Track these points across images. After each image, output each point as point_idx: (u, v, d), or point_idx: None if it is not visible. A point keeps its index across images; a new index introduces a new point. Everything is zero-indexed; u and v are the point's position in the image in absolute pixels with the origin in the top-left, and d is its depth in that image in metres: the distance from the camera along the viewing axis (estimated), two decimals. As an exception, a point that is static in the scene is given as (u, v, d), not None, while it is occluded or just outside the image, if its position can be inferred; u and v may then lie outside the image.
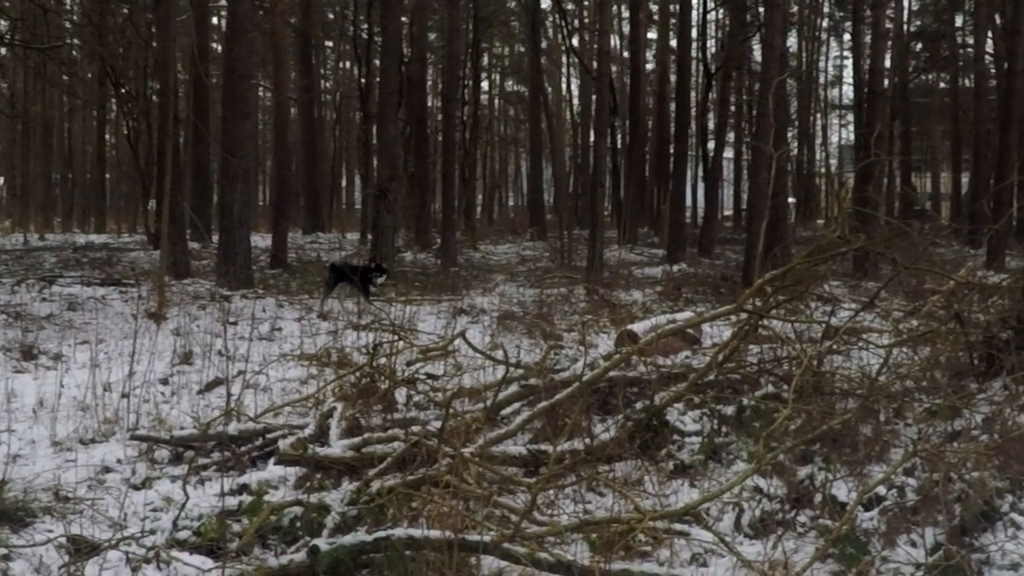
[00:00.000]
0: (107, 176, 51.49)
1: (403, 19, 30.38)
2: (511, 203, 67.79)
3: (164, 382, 10.31)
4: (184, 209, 20.36)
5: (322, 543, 4.66)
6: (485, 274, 24.25)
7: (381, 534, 4.70)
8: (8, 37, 27.66)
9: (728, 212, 52.50)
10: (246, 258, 18.86)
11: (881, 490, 6.09)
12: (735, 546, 5.11)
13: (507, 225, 50.48)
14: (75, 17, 33.15)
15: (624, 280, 21.82)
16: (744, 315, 7.69)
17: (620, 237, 36.74)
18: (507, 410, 7.75)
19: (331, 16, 45.65)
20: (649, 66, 47.69)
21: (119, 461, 7.28)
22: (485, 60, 50.90)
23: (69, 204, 48.98)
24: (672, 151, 32.68)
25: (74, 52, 33.79)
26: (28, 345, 11.88)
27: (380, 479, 5.62)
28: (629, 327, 11.20)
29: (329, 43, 49.78)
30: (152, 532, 5.48)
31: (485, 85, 58.15)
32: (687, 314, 12.31)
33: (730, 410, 7.93)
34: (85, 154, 51.63)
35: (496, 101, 63.25)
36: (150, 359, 10.45)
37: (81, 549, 5.04)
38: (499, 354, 9.11)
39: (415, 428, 6.62)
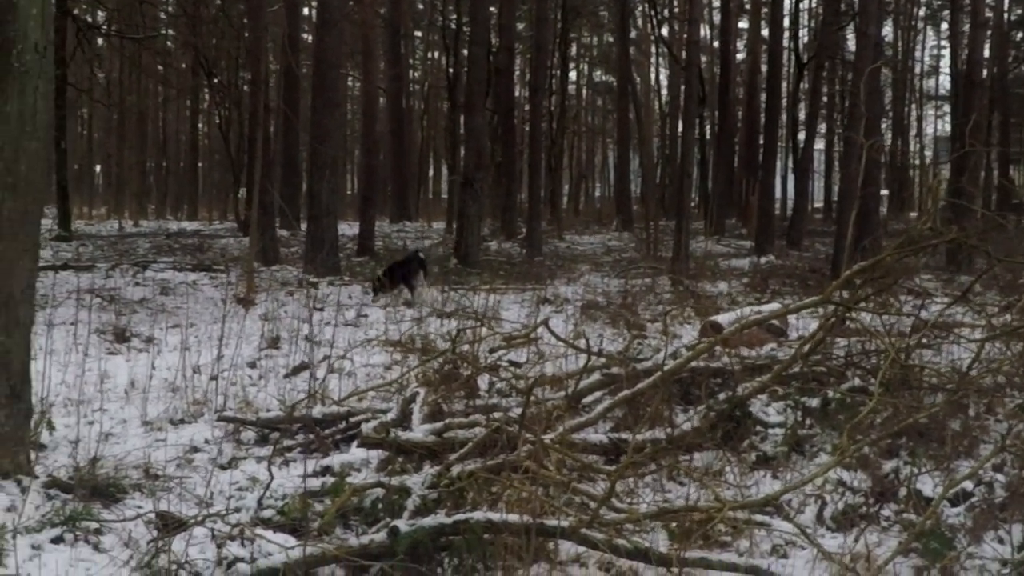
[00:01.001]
0: (199, 164, 52.43)
1: (491, 8, 30.42)
2: (598, 194, 67.53)
3: (252, 366, 10.48)
4: (273, 197, 20.63)
5: (402, 524, 4.71)
6: (570, 264, 24.21)
7: (460, 517, 4.73)
8: (105, 28, 28.36)
9: (819, 204, 51.74)
10: (333, 246, 19.08)
11: (968, 485, 5.98)
12: (816, 538, 5.03)
13: (593, 216, 50.31)
14: (170, 8, 33.82)
15: (710, 271, 21.62)
16: (831, 307, 7.57)
17: (707, 228, 36.44)
18: (589, 399, 7.73)
19: (420, 6, 45.83)
20: (740, 56, 47.14)
21: (207, 441, 7.42)
22: (574, 50, 50.74)
23: (163, 192, 50.02)
24: (762, 142, 32.26)
25: (168, 42, 34.46)
26: (121, 328, 12.15)
27: (461, 464, 5.65)
28: (713, 318, 11.10)
29: (418, 33, 50.04)
30: (237, 510, 5.58)
31: (573, 75, 58.07)
32: (773, 306, 12.15)
33: (815, 403, 7.83)
34: (179, 143, 52.65)
35: (584, 91, 63.06)
36: (238, 343, 10.61)
37: (169, 525, 5.14)
38: (581, 343, 9.09)
39: (496, 414, 6.64)
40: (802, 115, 38.47)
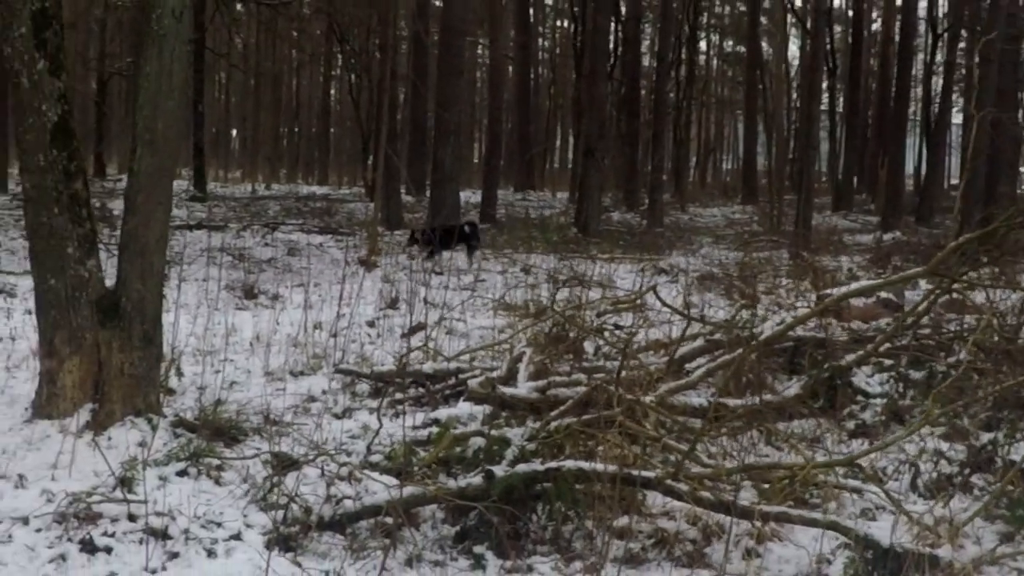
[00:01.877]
0: (331, 130, 53.47)
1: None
2: (727, 167, 66.85)
3: (371, 324, 10.87)
4: (397, 163, 21.08)
5: (498, 470, 4.98)
6: (690, 235, 24.23)
7: (552, 465, 4.98)
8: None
9: (955, 180, 50.41)
10: (455, 211, 19.46)
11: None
12: (905, 503, 5.13)
13: (719, 188, 49.93)
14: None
15: (832, 246, 21.40)
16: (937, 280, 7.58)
17: (834, 202, 35.91)
18: (692, 365, 7.88)
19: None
20: (874, 26, 46.10)
21: (324, 392, 7.80)
22: (704, 19, 50.23)
23: (295, 156, 51.19)
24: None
25: (304, 8, 35.20)
26: (249, 285, 12.70)
27: (560, 419, 5.87)
28: (828, 291, 11.10)
29: (549, 1, 50.05)
30: (348, 453, 5.92)
31: (704, 45, 57.49)
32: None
33: (920, 375, 7.86)
34: (311, 108, 53.76)
35: (714, 62, 62.39)
36: (358, 303, 11.00)
37: (283, 464, 5.49)
38: (689, 310, 9.24)
39: (598, 375, 6.86)
40: (939, 87, 37.46)
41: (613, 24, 30.97)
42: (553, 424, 5.78)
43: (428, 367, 7.94)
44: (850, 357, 7.76)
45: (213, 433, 6.20)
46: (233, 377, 8.13)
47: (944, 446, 6.44)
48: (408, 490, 4.96)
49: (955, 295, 8.13)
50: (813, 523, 4.77)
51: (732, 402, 6.98)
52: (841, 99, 43.25)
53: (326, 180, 46.48)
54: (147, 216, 6.12)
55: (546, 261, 16.58)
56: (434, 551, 4.89)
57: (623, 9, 31.34)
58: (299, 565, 4.46)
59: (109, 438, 5.92)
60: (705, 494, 4.83)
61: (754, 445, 6.63)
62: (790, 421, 7.24)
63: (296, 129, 53.33)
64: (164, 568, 4.44)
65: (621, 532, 5.10)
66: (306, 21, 35.32)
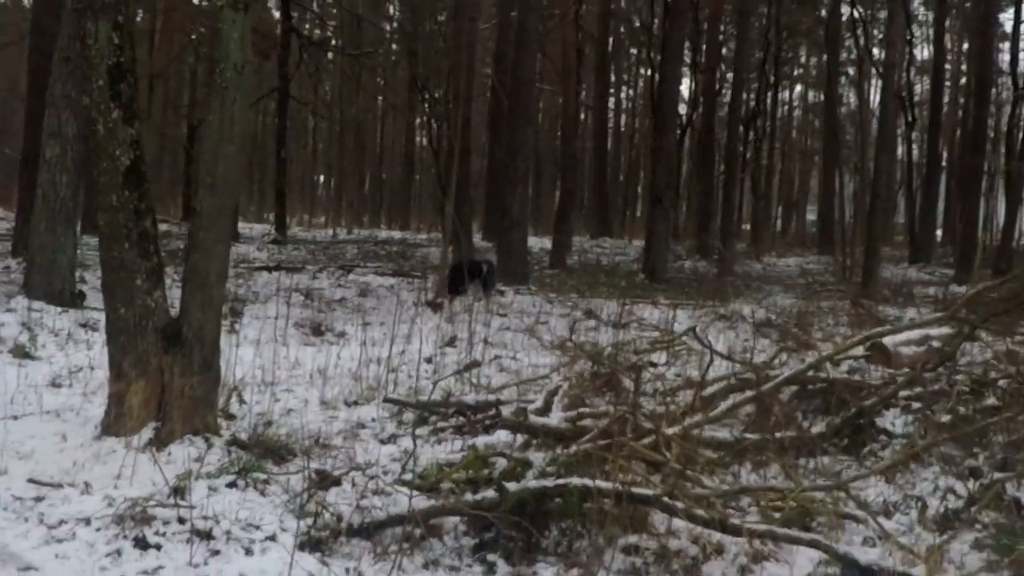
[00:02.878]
0: (416, 177, 54.56)
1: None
2: (812, 217, 66.62)
3: (428, 361, 11.37)
4: (468, 209, 21.70)
5: (511, 485, 5.44)
6: (760, 284, 24.48)
7: (561, 482, 5.42)
8: (328, 44, 30.24)
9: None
10: (522, 256, 20.01)
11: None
12: (907, 533, 5.50)
13: (798, 239, 49.94)
14: (394, 24, 35.62)
15: (901, 297, 21.53)
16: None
17: (911, 254, 35.80)
18: (726, 404, 8.24)
19: (637, 23, 46.32)
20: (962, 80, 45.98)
21: (373, 420, 8.32)
22: (788, 69, 50.51)
23: (377, 201, 52.32)
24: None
25: (390, 57, 36.23)
26: (317, 323, 13.34)
27: (580, 444, 6.32)
28: (881, 340, 11.37)
29: (634, 50, 50.53)
30: (384, 472, 6.43)
31: (788, 95, 57.68)
32: (944, 329, 12.29)
33: (946, 418, 8.15)
34: (395, 155, 54.95)
35: (797, 113, 62.48)
36: (420, 340, 11.55)
37: (323, 479, 6.01)
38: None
39: (623, 407, 7.29)
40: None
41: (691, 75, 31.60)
42: (572, 448, 6.23)
43: (471, 398, 8.42)
44: (874, 399, 8.09)
45: (264, 452, 6.74)
46: (291, 405, 8.68)
47: (959, 486, 6.76)
48: (428, 502, 5.45)
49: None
50: (796, 541, 5.16)
51: (755, 436, 7.38)
52: (918, 148, 43.10)
53: (408, 225, 47.42)
54: (208, 252, 6.73)
55: (609, 306, 17.02)
56: (452, 558, 5.35)
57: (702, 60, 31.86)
58: (325, 564, 4.96)
59: (169, 454, 6.51)
60: (699, 512, 5.24)
61: (774, 478, 7.00)
62: (811, 457, 7.59)
63: (381, 175, 54.51)
64: (206, 563, 4.97)
65: (627, 548, 5.52)
66: (388, 71, 36.34)
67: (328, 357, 10.74)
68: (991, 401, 8.30)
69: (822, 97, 57.21)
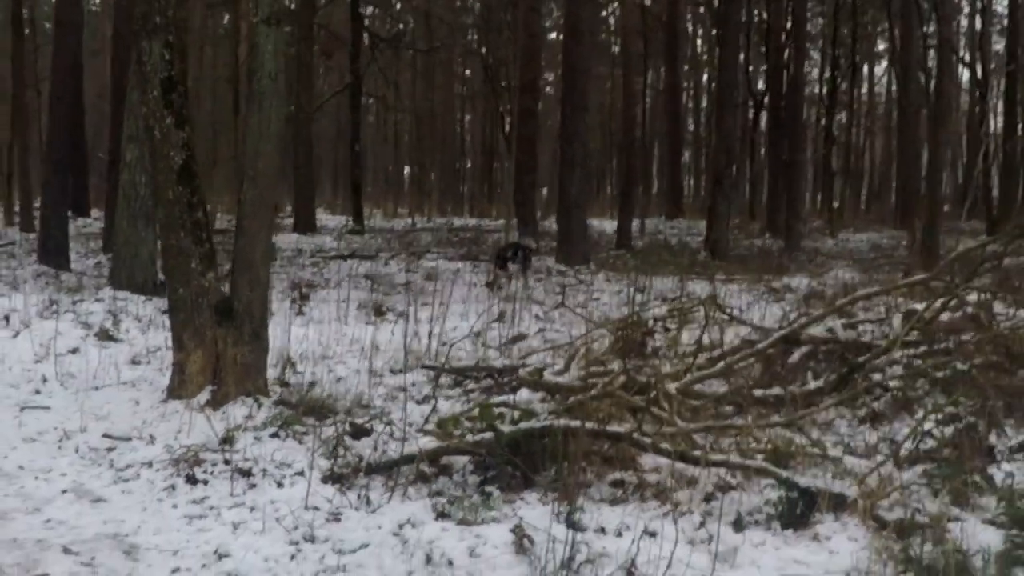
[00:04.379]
0: (495, 165, 55.53)
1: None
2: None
3: (477, 335, 12.26)
4: (532, 194, 22.53)
5: (504, 427, 6.30)
6: (826, 259, 24.89)
7: (547, 423, 6.27)
8: (400, 39, 31.30)
9: None
10: (581, 237, 20.79)
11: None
12: (836, 455, 6.25)
13: (880, 215, 49.79)
14: (471, 19, 36.58)
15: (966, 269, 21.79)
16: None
17: (988, 228, 35.64)
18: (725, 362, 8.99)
19: (701, 9, 46.78)
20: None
21: (413, 384, 9.23)
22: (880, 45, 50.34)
23: (460, 191, 53.40)
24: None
25: (465, 49, 37.12)
26: (379, 304, 14.32)
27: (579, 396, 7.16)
28: (914, 306, 11.93)
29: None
30: (410, 424, 7.33)
31: (873, 71, 57.36)
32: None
33: (940, 373, 8.80)
34: (475, 144, 55.95)
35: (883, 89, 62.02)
36: (473, 318, 12.44)
37: (356, 431, 6.95)
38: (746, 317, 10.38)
39: (630, 364, 8.11)
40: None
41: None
42: (571, 399, 7.07)
43: (500, 362, 9.30)
44: (869, 355, 8.78)
45: (308, 410, 7.69)
46: (341, 374, 9.63)
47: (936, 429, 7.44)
48: (436, 443, 6.35)
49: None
50: (746, 468, 5.95)
51: (758, 392, 8.14)
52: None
53: (487, 213, 48.37)
54: (253, 237, 7.71)
55: (666, 283, 17.73)
56: (456, 490, 6.21)
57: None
58: (342, 493, 5.89)
59: (223, 412, 7.49)
60: (664, 445, 6.05)
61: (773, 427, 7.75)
62: (808, 408, 8.31)
63: (464, 165, 55.65)
64: (244, 493, 5.93)
65: (614, 482, 6.35)
66: (463, 62, 37.26)
67: (384, 334, 11.69)
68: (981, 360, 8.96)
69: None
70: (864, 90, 56.91)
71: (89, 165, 30.73)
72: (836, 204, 44.23)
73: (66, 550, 5.12)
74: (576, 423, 6.19)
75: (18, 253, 19.92)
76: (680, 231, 33.61)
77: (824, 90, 40.15)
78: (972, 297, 11.21)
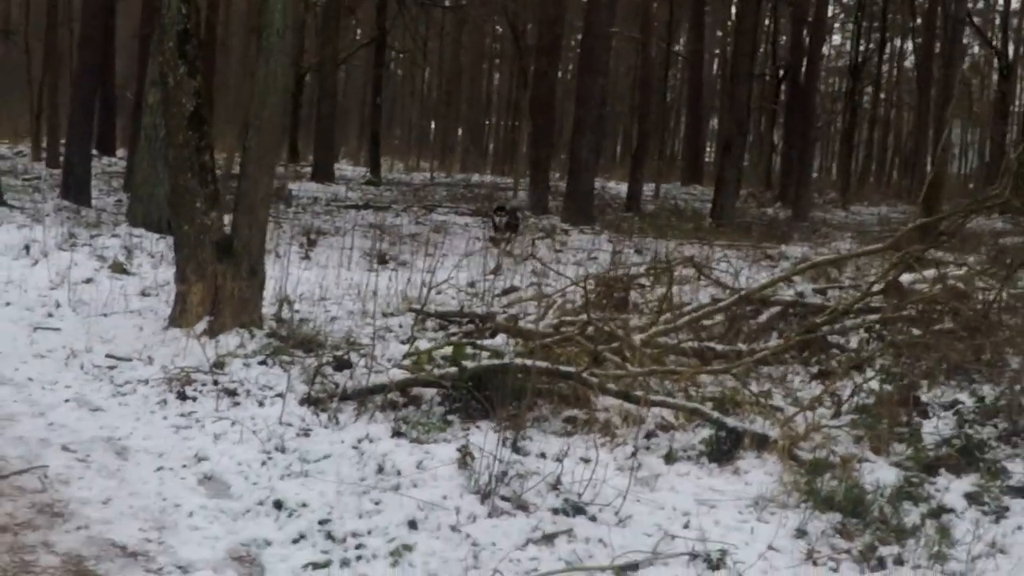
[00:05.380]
0: (516, 124, 55.92)
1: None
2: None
3: (471, 285, 12.89)
4: (547, 154, 23.04)
5: (468, 363, 6.93)
6: (831, 230, 25.35)
7: (505, 362, 6.89)
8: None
9: None
10: (588, 198, 21.36)
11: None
12: (773, 403, 6.87)
13: (897, 189, 49.99)
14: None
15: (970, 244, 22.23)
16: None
17: (1001, 206, 35.81)
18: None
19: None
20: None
21: (400, 326, 9.87)
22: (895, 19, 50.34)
23: (483, 147, 53.88)
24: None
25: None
26: (383, 253, 14.95)
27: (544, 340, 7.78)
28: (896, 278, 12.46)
29: None
30: (388, 360, 7.96)
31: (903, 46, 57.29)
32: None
33: (900, 337, 9.39)
34: (499, 102, 56.38)
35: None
36: (472, 269, 13.06)
37: (339, 363, 7.60)
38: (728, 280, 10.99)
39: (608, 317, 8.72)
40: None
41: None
42: (537, 342, 7.70)
43: (482, 309, 9.93)
44: (824, 318, 9.36)
45: (297, 343, 8.33)
46: (336, 314, 10.28)
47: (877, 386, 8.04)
48: (404, 375, 7.00)
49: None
50: (682, 408, 6.58)
51: (719, 346, 8.76)
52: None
53: (511, 170, 48.85)
54: (255, 181, 8.34)
55: (666, 245, 18.28)
56: (420, 417, 6.85)
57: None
58: (316, 415, 6.54)
59: (218, 341, 8.13)
60: (610, 385, 6.67)
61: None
62: (769, 366, 8.91)
63: (487, 123, 56.10)
64: (227, 410, 6.60)
65: (567, 418, 6.98)
66: (483, 21, 37.66)
67: (383, 280, 12.33)
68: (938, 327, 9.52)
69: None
70: (894, 65, 56.90)
71: (117, 105, 31.34)
72: (856, 176, 44.68)
73: (64, 448, 5.80)
74: (531, 363, 6.81)
75: (43, 188, 20.62)
76: (695, 197, 34.08)
77: (851, 62, 40.54)
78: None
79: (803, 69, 30.14)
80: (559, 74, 31.99)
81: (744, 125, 25.10)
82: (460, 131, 52.79)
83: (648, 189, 34.79)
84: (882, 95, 54.50)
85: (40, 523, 4.79)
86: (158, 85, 14.37)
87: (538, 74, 23.01)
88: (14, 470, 5.41)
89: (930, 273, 11.16)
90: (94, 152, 22.83)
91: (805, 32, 30.98)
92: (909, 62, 60.76)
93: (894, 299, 9.94)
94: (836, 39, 53.93)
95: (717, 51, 50.49)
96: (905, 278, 10.88)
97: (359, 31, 40.62)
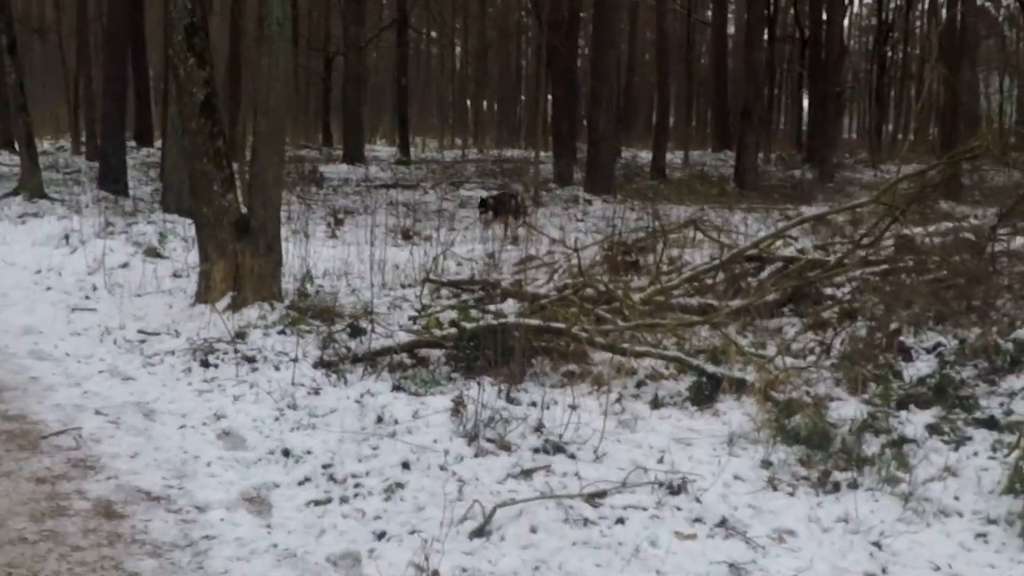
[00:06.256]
0: (548, 97, 56.28)
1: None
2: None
3: (490, 256, 13.39)
4: (568, 127, 23.44)
5: (466, 324, 7.44)
6: (856, 189, 25.58)
7: (502, 321, 7.39)
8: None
9: None
10: (609, 168, 21.78)
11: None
12: (746, 350, 7.33)
13: (928, 147, 49.81)
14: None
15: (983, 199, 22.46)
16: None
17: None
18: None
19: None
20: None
21: (416, 296, 10.38)
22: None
23: (515, 124, 54.29)
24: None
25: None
26: (406, 228, 15.49)
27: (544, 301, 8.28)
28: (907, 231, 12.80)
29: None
30: (399, 326, 8.49)
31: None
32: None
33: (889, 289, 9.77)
34: (527, 77, 56.69)
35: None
36: (493, 242, 13.55)
37: (354, 330, 8.14)
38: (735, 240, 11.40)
39: (597, 277, 9.19)
40: None
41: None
42: (537, 303, 8.20)
43: (494, 277, 10.43)
44: (819, 272, 9.78)
45: (316, 314, 8.88)
46: (356, 287, 10.82)
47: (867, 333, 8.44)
48: (410, 337, 7.53)
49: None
50: (664, 357, 7.04)
51: (720, 303, 9.20)
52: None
53: (540, 144, 49.26)
54: (266, 162, 8.88)
55: (688, 211, 18.67)
56: (427, 376, 7.37)
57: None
58: (327, 376, 7.08)
59: (241, 314, 8.70)
60: (599, 339, 7.16)
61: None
62: (769, 319, 9.34)
63: (519, 98, 56.45)
64: (246, 375, 7.16)
65: (565, 373, 7.47)
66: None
67: (405, 255, 12.86)
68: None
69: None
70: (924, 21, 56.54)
71: (152, 96, 32.11)
72: (887, 134, 44.65)
73: (97, 412, 6.38)
74: (525, 321, 7.31)
75: (82, 180, 21.38)
76: (723, 163, 34.36)
77: (877, 19, 40.55)
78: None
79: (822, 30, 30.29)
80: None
81: (760, 90, 25.34)
82: (492, 107, 53.16)
83: (678, 157, 35.14)
84: (915, 50, 54.23)
85: (74, 475, 5.36)
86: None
87: (554, 47, 23.38)
88: (52, 431, 6.00)
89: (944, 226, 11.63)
90: (132, 143, 23.56)
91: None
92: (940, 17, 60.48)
93: (900, 251, 10.35)
94: (868, -3, 53.91)
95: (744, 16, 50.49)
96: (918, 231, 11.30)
97: (384, 12, 41.10)
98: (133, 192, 19.29)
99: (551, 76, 24.31)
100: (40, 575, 4.25)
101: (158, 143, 31.00)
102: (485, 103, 54.69)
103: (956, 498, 5.28)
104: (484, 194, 19.46)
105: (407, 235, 15.27)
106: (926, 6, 56.72)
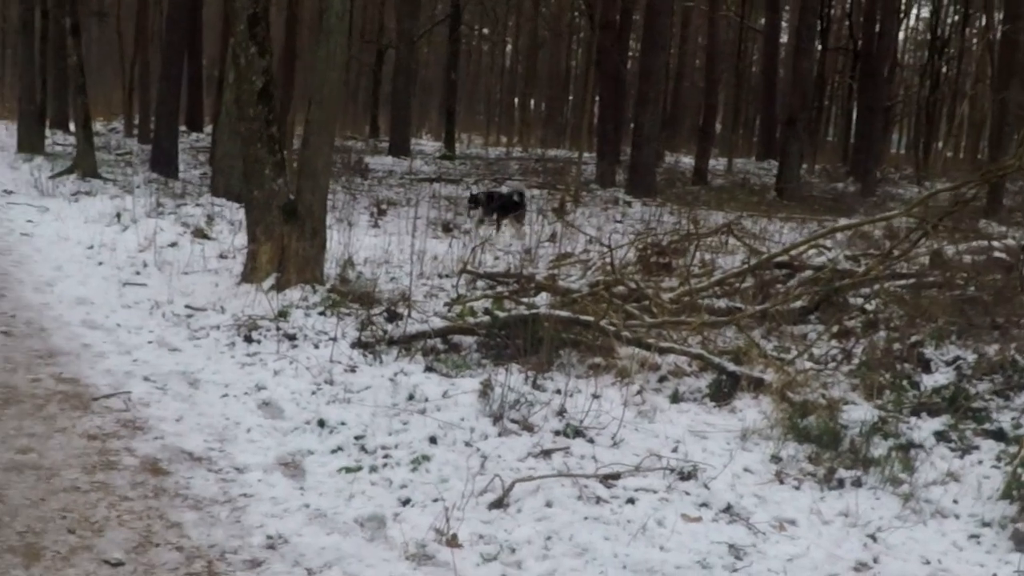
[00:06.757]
0: (596, 98, 56.51)
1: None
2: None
3: (527, 252, 13.71)
4: (613, 128, 23.71)
5: (499, 312, 7.76)
6: (900, 205, 25.67)
7: (533, 311, 7.70)
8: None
9: None
10: (651, 171, 22.02)
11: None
12: (764, 348, 7.60)
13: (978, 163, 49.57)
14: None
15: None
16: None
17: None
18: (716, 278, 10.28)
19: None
20: None
21: (453, 286, 10.72)
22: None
23: (561, 122, 54.56)
24: None
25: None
26: (447, 222, 15.84)
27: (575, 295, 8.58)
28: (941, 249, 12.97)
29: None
30: (435, 314, 8.83)
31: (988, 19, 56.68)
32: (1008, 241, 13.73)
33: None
34: (577, 77, 56.97)
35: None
36: (531, 237, 13.88)
37: (391, 315, 8.47)
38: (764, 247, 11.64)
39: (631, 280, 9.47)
40: None
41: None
42: (568, 297, 8.50)
43: (528, 271, 10.74)
44: (846, 282, 10.00)
45: (356, 298, 9.23)
46: (395, 275, 11.18)
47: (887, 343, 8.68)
48: (444, 323, 7.86)
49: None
50: (687, 354, 7.32)
51: (746, 307, 9.46)
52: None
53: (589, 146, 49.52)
54: (317, 150, 9.24)
55: (725, 217, 18.90)
56: (458, 360, 7.70)
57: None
58: (363, 356, 7.43)
59: (284, 295, 9.07)
60: (625, 333, 7.45)
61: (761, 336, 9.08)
62: (794, 325, 9.59)
63: (567, 98, 56.75)
64: (287, 351, 7.51)
65: (591, 365, 7.77)
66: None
67: (444, 247, 13.21)
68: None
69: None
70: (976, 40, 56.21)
71: (204, 83, 32.68)
72: (936, 151, 44.48)
73: (146, 379, 6.76)
74: (555, 312, 7.62)
75: (134, 162, 21.93)
76: (766, 172, 34.49)
77: (931, 35, 40.47)
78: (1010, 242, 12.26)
79: (875, 42, 30.33)
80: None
81: (807, 99, 25.43)
82: (539, 106, 53.46)
83: (721, 164, 35.30)
84: (971, 66, 54.00)
85: (124, 434, 5.74)
86: (236, 64, 15.53)
87: (604, 48, 23.63)
88: (103, 394, 6.39)
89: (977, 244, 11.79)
90: (183, 128, 24.09)
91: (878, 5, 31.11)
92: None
93: (931, 266, 10.56)
94: (924, 11, 53.70)
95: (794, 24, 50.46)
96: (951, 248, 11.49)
97: (438, 7, 41.54)
98: (183, 175, 19.79)
99: (599, 77, 24.53)
100: (91, 519, 4.61)
101: (207, 129, 31.70)
102: (532, 102, 54.95)
103: (955, 501, 5.53)
104: (475, 190, 18.65)
105: (447, 228, 15.61)
106: (983, 23, 56.58)
